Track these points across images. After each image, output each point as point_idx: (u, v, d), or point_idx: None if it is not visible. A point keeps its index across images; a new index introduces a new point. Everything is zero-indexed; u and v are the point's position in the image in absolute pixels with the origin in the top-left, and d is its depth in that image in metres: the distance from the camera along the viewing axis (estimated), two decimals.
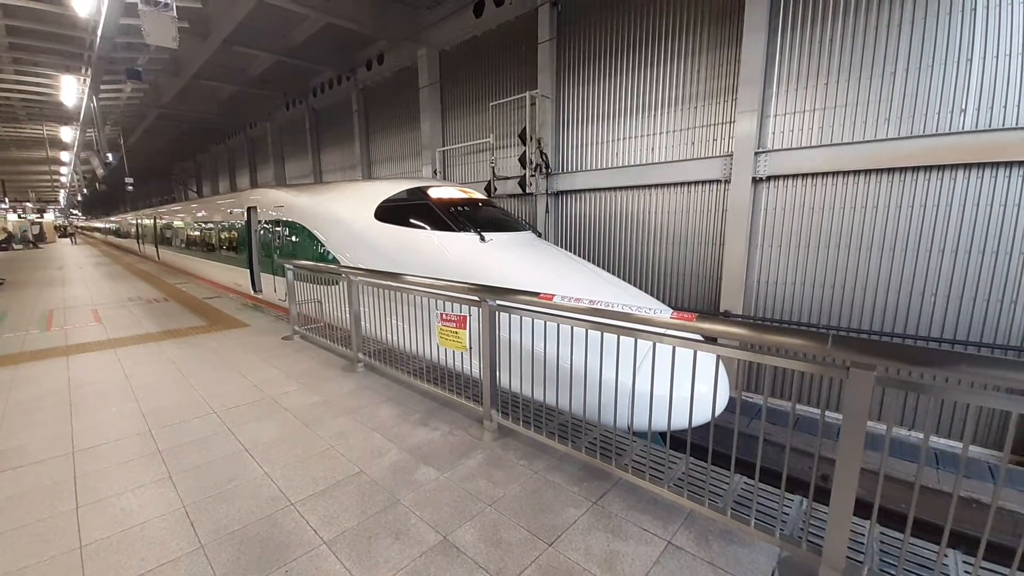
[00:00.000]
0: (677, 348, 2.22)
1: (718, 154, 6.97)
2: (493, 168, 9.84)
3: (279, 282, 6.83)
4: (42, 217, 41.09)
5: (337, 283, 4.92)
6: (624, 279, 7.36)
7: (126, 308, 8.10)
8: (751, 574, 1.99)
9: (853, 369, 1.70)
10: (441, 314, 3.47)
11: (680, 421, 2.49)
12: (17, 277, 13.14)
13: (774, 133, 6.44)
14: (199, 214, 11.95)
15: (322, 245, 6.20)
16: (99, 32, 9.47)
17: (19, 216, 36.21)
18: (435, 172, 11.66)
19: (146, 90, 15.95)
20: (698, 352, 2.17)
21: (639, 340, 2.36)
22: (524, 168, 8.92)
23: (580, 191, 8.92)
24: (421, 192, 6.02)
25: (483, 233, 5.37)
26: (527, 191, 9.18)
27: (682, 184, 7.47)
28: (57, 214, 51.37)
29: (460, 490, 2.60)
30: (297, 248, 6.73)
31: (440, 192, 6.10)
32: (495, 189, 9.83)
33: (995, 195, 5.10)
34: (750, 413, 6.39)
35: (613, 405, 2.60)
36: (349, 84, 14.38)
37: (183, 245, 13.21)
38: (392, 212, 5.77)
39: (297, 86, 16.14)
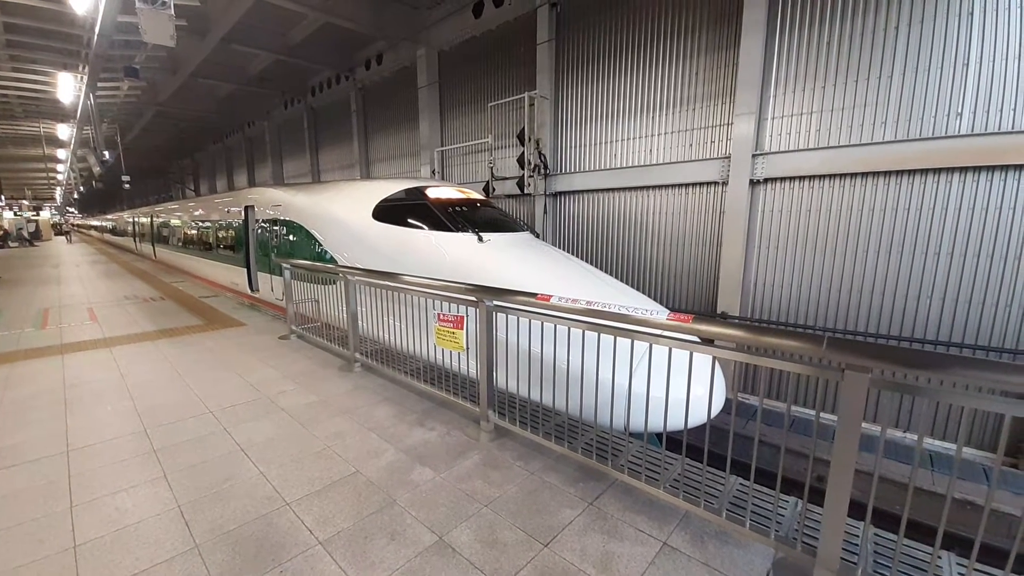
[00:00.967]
0: (673, 349, 2.22)
1: (716, 156, 6.99)
2: (491, 168, 9.85)
3: (276, 281, 6.81)
4: (38, 215, 40.85)
5: (334, 283, 4.91)
6: (621, 280, 7.37)
7: (122, 307, 8.07)
8: (746, 575, 1.99)
9: (848, 371, 1.71)
10: (438, 314, 3.46)
11: (676, 422, 2.50)
12: (13, 275, 13.07)
13: (772, 135, 6.46)
14: (196, 213, 11.91)
15: (319, 244, 6.19)
16: (96, 29, 9.45)
17: (15, 214, 36.01)
18: (433, 172, 11.65)
19: (143, 88, 15.90)
20: (694, 353, 2.18)
21: (636, 341, 2.36)
22: (522, 169, 8.93)
23: (578, 192, 8.93)
24: (419, 192, 6.02)
25: (481, 233, 5.36)
26: (525, 192, 9.19)
27: (680, 186, 7.49)
28: (53, 212, 51.10)
29: (456, 490, 2.60)
30: (294, 247, 6.71)
31: (438, 192, 6.10)
32: (493, 189, 9.83)
33: (990, 198, 5.13)
34: (746, 414, 6.40)
35: (610, 406, 2.60)
36: (348, 83, 14.36)
37: (180, 244, 13.16)
38: (390, 212, 5.77)
39: (295, 85, 16.10)
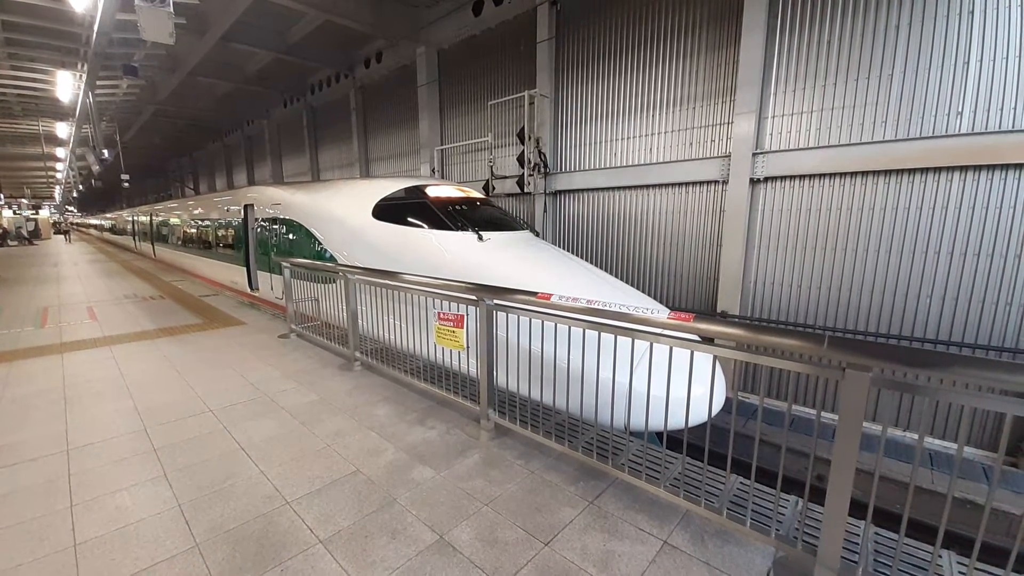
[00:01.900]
0: (674, 348, 2.22)
1: (716, 155, 6.98)
2: (491, 167, 9.84)
3: (276, 280, 6.81)
4: (37, 214, 40.79)
5: (334, 281, 4.91)
6: (621, 279, 7.38)
7: (121, 306, 8.06)
8: (747, 574, 1.99)
9: (849, 370, 1.71)
10: (439, 313, 3.46)
11: (676, 421, 2.50)
12: (12, 274, 13.05)
13: (772, 134, 6.45)
14: (195, 211, 11.89)
15: (319, 243, 6.18)
16: (95, 28, 9.43)
17: (14, 212, 35.97)
18: (433, 171, 11.64)
19: (142, 86, 15.85)
20: (695, 352, 2.18)
21: (636, 340, 2.36)
22: (522, 167, 8.92)
23: (578, 191, 8.92)
24: (419, 191, 6.01)
25: (481, 232, 5.36)
26: (525, 190, 9.18)
27: (680, 184, 7.48)
28: (53, 210, 51.03)
29: (456, 489, 2.60)
30: (294, 246, 6.70)
31: (438, 191, 6.10)
32: (493, 188, 9.83)
33: (990, 197, 5.12)
34: (746, 413, 6.41)
35: (610, 405, 2.60)
36: (347, 82, 14.34)
37: (179, 242, 13.15)
38: (390, 210, 5.76)
39: (295, 84, 16.07)
